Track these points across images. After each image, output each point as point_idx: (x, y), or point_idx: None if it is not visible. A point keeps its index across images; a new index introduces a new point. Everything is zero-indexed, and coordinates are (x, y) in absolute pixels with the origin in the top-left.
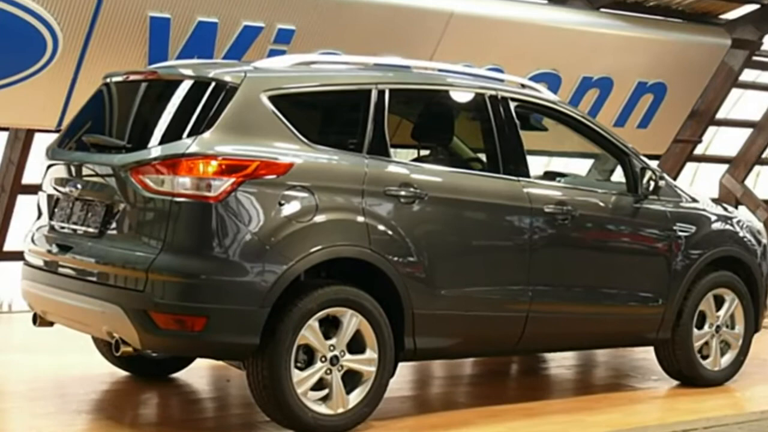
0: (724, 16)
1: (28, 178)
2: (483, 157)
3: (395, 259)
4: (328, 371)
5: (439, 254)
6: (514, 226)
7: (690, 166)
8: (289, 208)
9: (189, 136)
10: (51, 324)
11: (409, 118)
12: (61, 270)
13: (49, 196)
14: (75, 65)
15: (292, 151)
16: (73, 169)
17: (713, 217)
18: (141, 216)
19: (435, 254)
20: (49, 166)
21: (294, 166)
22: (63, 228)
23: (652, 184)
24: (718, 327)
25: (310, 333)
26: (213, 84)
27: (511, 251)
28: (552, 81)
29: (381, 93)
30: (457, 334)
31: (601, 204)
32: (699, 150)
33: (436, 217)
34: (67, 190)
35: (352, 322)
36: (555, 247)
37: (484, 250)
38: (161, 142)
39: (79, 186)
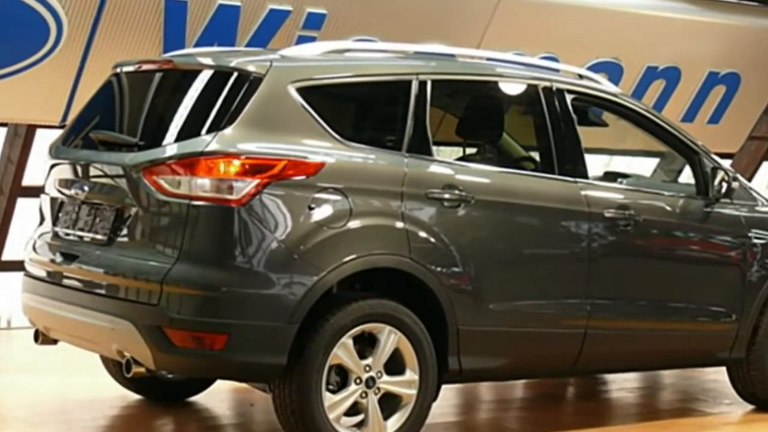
0: None
1: (28, 180)
2: (536, 155)
3: (438, 269)
4: (364, 394)
5: (487, 264)
6: (570, 232)
7: (766, 166)
8: (320, 213)
9: (208, 132)
10: (55, 342)
11: (454, 112)
12: (65, 282)
13: (53, 200)
14: (81, 54)
15: (323, 150)
16: (79, 169)
17: None
18: (155, 221)
19: (483, 264)
20: (53, 166)
21: (325, 166)
22: (68, 235)
23: (725, 185)
24: None
25: (343, 352)
26: (235, 74)
27: (567, 261)
28: (613, 71)
29: (422, 84)
30: (507, 353)
31: (668, 208)
32: None
33: (483, 222)
34: (72, 192)
35: (390, 339)
36: (616, 256)
37: (537, 259)
38: (177, 140)
39: (85, 188)
